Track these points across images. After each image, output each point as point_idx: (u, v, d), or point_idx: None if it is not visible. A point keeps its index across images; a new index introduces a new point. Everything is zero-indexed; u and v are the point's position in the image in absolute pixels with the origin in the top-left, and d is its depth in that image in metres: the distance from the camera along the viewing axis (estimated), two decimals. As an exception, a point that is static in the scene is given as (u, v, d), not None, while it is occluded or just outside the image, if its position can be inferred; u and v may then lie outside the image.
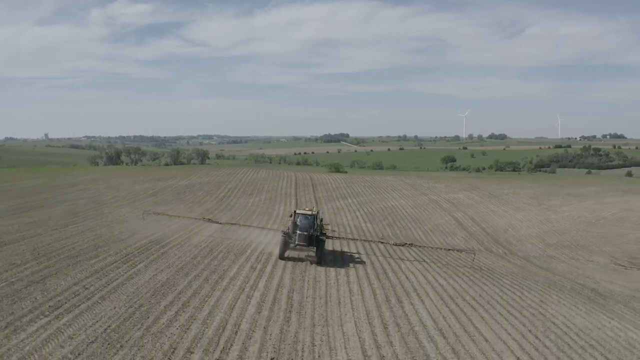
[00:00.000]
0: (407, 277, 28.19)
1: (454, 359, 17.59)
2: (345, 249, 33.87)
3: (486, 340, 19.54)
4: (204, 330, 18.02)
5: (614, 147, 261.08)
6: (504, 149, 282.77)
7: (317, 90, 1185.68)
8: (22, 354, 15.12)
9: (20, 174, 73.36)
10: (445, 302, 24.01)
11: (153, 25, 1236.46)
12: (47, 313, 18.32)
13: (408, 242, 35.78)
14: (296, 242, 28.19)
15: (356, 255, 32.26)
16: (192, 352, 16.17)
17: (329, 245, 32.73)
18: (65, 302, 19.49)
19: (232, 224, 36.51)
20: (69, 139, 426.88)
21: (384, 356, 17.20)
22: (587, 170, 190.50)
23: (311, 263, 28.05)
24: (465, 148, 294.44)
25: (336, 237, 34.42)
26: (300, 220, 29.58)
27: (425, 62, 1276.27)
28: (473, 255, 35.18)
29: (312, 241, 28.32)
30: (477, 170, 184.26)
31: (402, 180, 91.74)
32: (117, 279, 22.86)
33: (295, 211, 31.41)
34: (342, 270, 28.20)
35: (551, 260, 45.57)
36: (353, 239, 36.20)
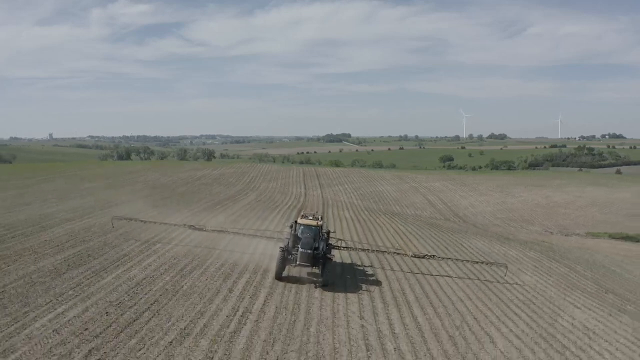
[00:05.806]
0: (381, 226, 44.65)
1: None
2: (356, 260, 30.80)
3: (415, 248, 36.18)
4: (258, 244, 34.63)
5: (608, 146, 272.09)
6: (501, 148, 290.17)
7: (318, 90, 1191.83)
8: (170, 238, 31.66)
9: (76, 166, 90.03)
10: (399, 234, 40.62)
11: (153, 25, 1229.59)
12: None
13: (429, 254, 31.59)
14: (297, 262, 23.89)
15: (369, 271, 28.68)
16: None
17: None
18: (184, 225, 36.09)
19: (219, 230, 31.34)
20: (73, 138, 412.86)
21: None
22: (579, 168, 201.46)
23: (316, 286, 23.98)
24: (463, 148, 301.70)
25: (344, 248, 30.01)
26: (302, 233, 24.97)
27: (425, 62, 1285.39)
28: (505, 270, 31.08)
29: (317, 261, 24.24)
30: (473, 169, 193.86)
31: (391, 172, 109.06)
32: (206, 217, 39.45)
33: (296, 221, 26.43)
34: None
35: (493, 226, 62.01)
36: (363, 249, 31.39)
